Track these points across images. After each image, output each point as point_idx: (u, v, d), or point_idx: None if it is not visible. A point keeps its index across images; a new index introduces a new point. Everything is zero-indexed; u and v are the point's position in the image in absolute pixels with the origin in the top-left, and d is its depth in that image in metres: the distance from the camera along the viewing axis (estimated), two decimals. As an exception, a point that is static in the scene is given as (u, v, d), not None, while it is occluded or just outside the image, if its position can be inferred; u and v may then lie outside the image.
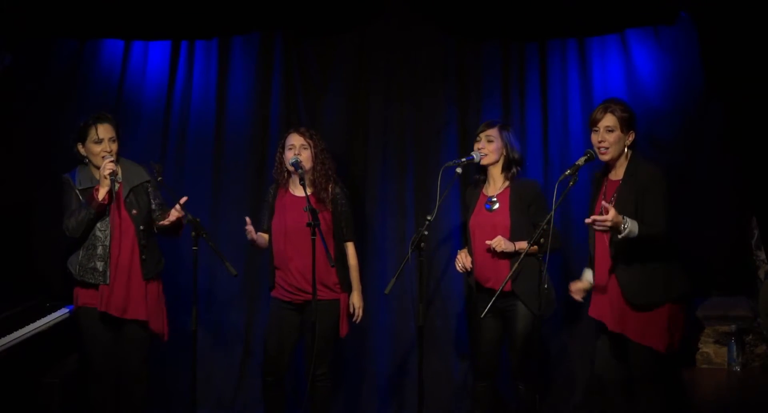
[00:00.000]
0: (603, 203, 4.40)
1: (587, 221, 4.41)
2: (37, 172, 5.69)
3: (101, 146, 4.89)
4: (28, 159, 5.70)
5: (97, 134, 4.89)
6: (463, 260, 5.02)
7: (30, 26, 5.59)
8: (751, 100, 5.20)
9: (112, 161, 4.84)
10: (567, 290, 5.52)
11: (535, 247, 4.65)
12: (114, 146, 4.92)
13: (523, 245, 4.83)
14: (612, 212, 4.33)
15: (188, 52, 5.85)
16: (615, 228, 4.35)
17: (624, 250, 4.48)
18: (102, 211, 4.90)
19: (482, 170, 5.09)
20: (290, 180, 5.16)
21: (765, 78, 5.15)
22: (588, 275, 4.77)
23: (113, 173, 4.83)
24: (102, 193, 4.84)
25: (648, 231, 4.39)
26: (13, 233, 5.59)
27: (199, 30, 5.80)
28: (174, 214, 4.85)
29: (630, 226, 4.34)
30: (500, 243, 4.85)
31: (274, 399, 5.20)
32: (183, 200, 4.84)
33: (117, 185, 4.91)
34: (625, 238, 4.35)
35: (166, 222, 4.89)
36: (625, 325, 4.51)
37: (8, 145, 5.70)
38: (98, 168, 4.88)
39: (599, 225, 4.37)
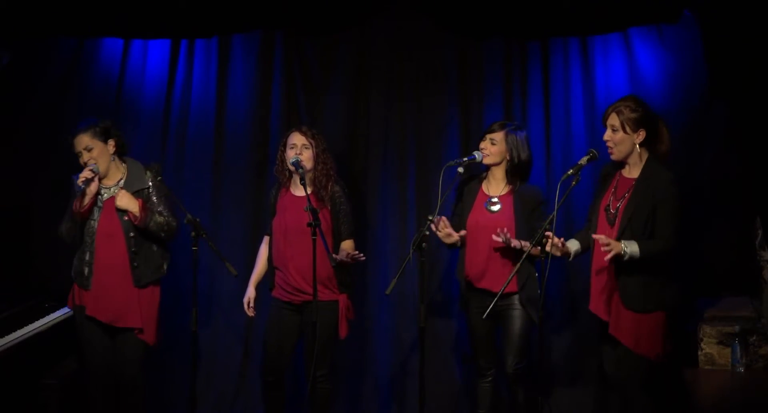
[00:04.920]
0: (596, 236, 4.44)
1: (599, 241, 4.43)
2: (37, 171, 5.68)
3: (81, 158, 4.92)
4: (27, 159, 5.68)
5: (75, 148, 4.93)
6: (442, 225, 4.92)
7: (28, 25, 5.56)
8: (755, 99, 5.18)
9: (90, 169, 4.84)
10: (568, 292, 5.53)
11: (537, 249, 4.63)
12: (92, 154, 4.89)
13: (525, 243, 4.81)
14: (613, 243, 4.38)
15: (188, 51, 5.82)
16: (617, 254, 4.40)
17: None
18: (83, 218, 4.88)
19: (485, 168, 5.07)
20: (291, 180, 5.14)
21: (769, 77, 5.13)
22: (573, 245, 4.76)
23: (86, 181, 4.82)
24: (81, 201, 4.85)
25: (652, 249, 4.43)
26: (13, 233, 5.57)
27: (198, 28, 5.77)
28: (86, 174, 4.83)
29: (630, 250, 4.39)
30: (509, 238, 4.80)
31: (274, 399, 5.20)
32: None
33: (105, 196, 4.92)
34: (631, 259, 4.40)
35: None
36: (619, 329, 4.51)
37: (7, 144, 5.68)
38: None
39: (605, 249, 4.39)
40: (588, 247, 4.73)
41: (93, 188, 4.86)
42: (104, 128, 4.94)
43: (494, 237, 4.80)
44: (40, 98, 5.74)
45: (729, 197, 5.33)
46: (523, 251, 4.72)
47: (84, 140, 4.90)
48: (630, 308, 4.47)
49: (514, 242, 4.81)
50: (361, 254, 4.98)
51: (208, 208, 5.77)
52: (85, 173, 4.82)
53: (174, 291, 5.45)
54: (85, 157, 4.89)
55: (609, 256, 4.38)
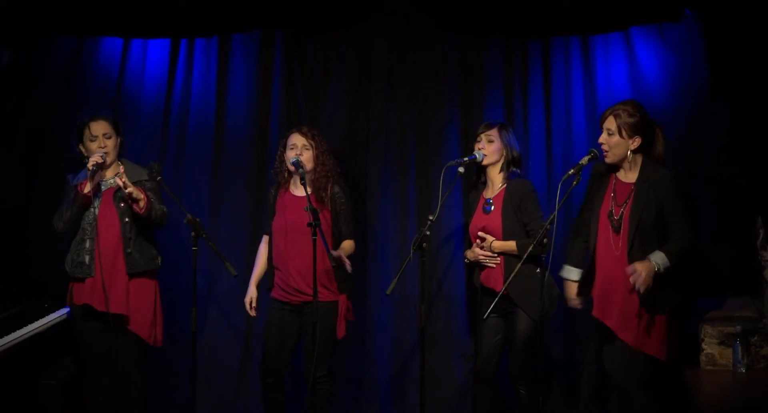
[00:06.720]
0: (632, 278, 4.38)
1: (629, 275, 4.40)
2: (36, 171, 5.67)
3: (96, 143, 4.93)
4: (26, 158, 5.67)
5: (91, 132, 4.92)
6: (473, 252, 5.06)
7: (28, 24, 5.56)
8: (757, 98, 5.17)
9: (99, 155, 4.84)
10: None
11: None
12: (109, 143, 4.95)
13: (510, 244, 4.87)
14: (640, 266, 4.36)
15: (188, 51, 5.81)
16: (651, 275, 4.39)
17: (640, 254, 4.47)
18: (87, 204, 4.88)
19: (481, 172, 5.07)
20: (290, 180, 5.13)
21: (770, 76, 5.12)
22: (572, 275, 4.77)
23: (97, 165, 4.81)
24: (87, 185, 4.82)
25: (677, 251, 4.44)
26: (13, 233, 5.56)
27: (198, 28, 5.76)
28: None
29: (661, 264, 4.39)
30: (477, 254, 4.95)
31: (274, 400, 5.19)
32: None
33: (115, 181, 4.89)
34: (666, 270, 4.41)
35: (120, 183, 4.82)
36: (626, 329, 4.49)
37: (7, 144, 5.67)
38: None
39: (642, 284, 4.36)
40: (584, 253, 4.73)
41: (98, 175, 4.88)
42: (117, 124, 5.03)
43: (475, 249, 4.97)
44: (40, 98, 5.72)
45: (729, 197, 5.32)
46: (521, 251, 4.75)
47: (105, 126, 4.95)
48: (643, 308, 4.45)
49: (494, 245, 4.90)
50: (348, 263, 4.98)
51: (208, 208, 5.76)
52: (96, 158, 4.83)
53: (173, 292, 5.44)
54: (102, 143, 4.93)
55: (645, 286, 4.36)
